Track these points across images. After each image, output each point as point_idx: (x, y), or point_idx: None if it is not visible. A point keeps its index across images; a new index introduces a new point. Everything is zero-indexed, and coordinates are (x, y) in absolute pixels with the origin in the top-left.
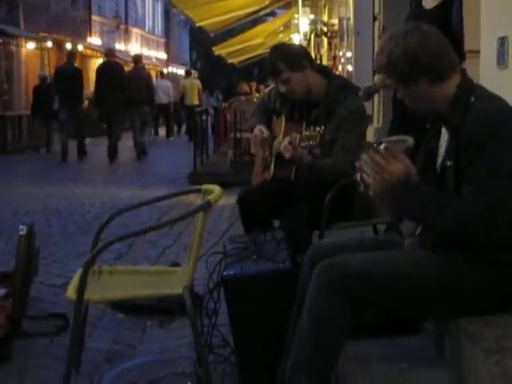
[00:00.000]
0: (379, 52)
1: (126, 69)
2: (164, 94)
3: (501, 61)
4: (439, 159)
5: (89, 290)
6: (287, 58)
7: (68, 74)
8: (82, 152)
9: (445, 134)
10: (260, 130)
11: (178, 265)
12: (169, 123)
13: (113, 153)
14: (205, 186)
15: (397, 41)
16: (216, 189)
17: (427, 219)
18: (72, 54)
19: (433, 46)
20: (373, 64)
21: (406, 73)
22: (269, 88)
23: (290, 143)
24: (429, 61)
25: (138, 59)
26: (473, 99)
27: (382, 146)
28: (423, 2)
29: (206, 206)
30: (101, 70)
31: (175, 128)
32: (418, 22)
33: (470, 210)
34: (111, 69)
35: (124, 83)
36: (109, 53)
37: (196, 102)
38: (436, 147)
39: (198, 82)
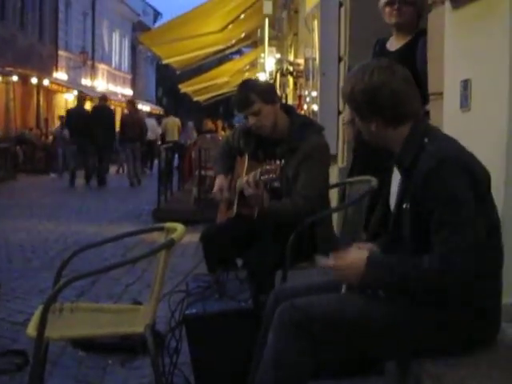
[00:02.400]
0: (347, 80)
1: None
2: (151, 131)
3: (464, 103)
4: (392, 200)
5: (49, 328)
6: (259, 89)
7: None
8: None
9: (396, 175)
10: (220, 190)
11: (139, 303)
12: (153, 158)
13: (103, 180)
14: (168, 224)
15: (364, 74)
16: (179, 227)
17: (396, 292)
18: (82, 97)
19: (396, 90)
20: (338, 104)
21: (363, 108)
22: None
23: (249, 180)
24: (387, 104)
25: (132, 104)
26: (426, 140)
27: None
28: (387, 45)
29: (169, 245)
30: (95, 112)
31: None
32: (392, 61)
33: (430, 271)
34: (104, 111)
35: (114, 124)
36: (103, 97)
37: (176, 138)
38: (389, 187)
39: (177, 120)
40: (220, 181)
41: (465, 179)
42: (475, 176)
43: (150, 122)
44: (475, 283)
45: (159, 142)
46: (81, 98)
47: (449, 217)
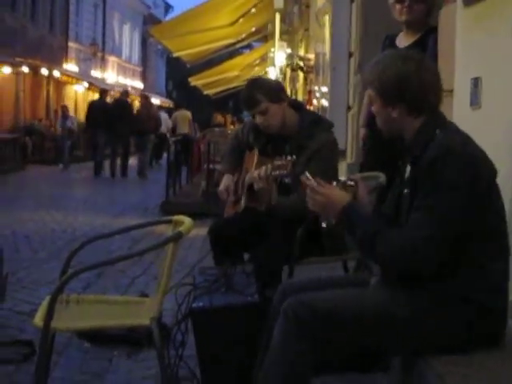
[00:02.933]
0: (375, 64)
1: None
2: (163, 124)
3: (474, 101)
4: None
5: (56, 319)
6: (266, 89)
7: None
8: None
9: (407, 167)
10: (226, 189)
11: (146, 295)
12: (163, 150)
13: (125, 169)
14: (176, 217)
15: (396, 61)
16: (187, 220)
17: (358, 245)
18: (103, 91)
19: (427, 80)
20: (348, 99)
21: (390, 93)
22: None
23: (259, 175)
24: (416, 92)
25: (146, 97)
26: (438, 132)
27: (349, 182)
28: (397, 41)
29: (177, 237)
30: (114, 106)
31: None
32: (422, 53)
33: (393, 245)
34: (125, 105)
35: (132, 117)
36: (124, 92)
37: (187, 131)
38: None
39: (188, 114)
40: (226, 180)
41: (464, 173)
42: (478, 172)
43: (163, 116)
44: (478, 280)
45: (168, 135)
46: (102, 92)
47: (430, 202)
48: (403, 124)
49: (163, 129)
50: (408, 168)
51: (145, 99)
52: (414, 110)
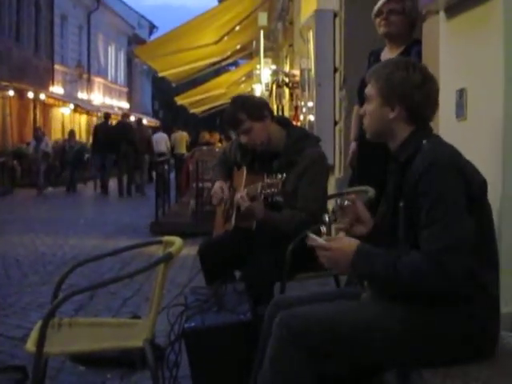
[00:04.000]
0: (382, 65)
1: None
2: (163, 144)
3: (459, 113)
4: (390, 200)
5: (48, 343)
6: (248, 108)
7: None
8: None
9: (392, 175)
10: (220, 188)
11: (138, 317)
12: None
13: (130, 188)
14: (166, 238)
15: (407, 65)
16: (177, 240)
17: (381, 283)
18: (107, 115)
19: (429, 94)
20: (334, 114)
21: (394, 93)
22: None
23: (247, 194)
24: (419, 100)
25: (140, 121)
26: (424, 142)
27: (346, 203)
28: (381, 56)
29: (167, 258)
30: (117, 128)
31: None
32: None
33: (417, 265)
34: (124, 127)
35: (134, 138)
36: (124, 115)
37: (184, 151)
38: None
39: (186, 135)
40: (218, 184)
41: (456, 181)
42: (468, 180)
43: (162, 136)
44: (472, 292)
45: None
46: (107, 116)
47: (437, 215)
48: (395, 128)
49: (163, 148)
50: (392, 176)
51: (137, 121)
52: (410, 117)
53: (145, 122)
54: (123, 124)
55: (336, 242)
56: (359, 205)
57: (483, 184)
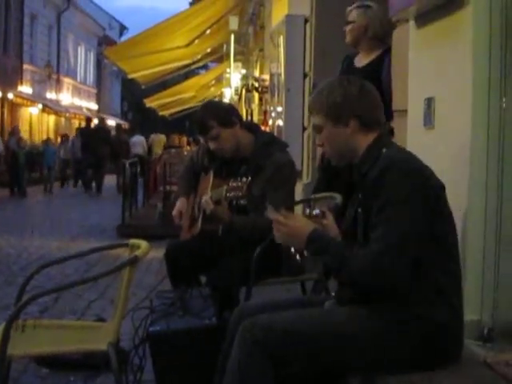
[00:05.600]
0: (318, 92)
1: None
2: (140, 146)
3: (427, 121)
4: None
5: (12, 345)
6: (217, 114)
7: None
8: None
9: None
10: (180, 212)
11: (103, 320)
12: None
13: (100, 188)
14: (132, 241)
15: (340, 84)
16: (143, 244)
17: (334, 269)
18: (89, 119)
19: (370, 96)
20: (303, 120)
21: (341, 111)
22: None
23: (211, 198)
24: (367, 105)
25: (119, 127)
26: (384, 150)
27: (316, 212)
28: (355, 61)
29: (133, 261)
30: (94, 131)
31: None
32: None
33: (360, 259)
34: (102, 131)
35: (110, 141)
36: (100, 120)
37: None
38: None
39: (163, 137)
40: (180, 204)
41: (410, 184)
42: (424, 184)
43: (140, 139)
44: (432, 295)
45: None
46: (88, 120)
47: (387, 216)
48: (355, 142)
49: (140, 150)
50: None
51: (119, 128)
52: (365, 124)
53: (113, 123)
54: (101, 128)
55: (294, 220)
56: (329, 217)
57: (440, 188)
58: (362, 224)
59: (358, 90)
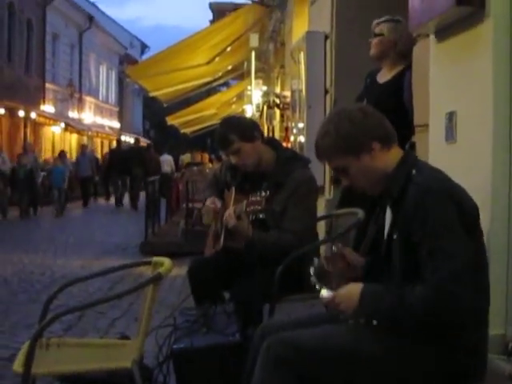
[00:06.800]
0: (322, 135)
1: None
2: (168, 166)
3: (449, 136)
4: (386, 233)
5: (36, 364)
6: (238, 128)
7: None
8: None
9: (388, 209)
10: (212, 201)
11: (127, 337)
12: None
13: (136, 204)
14: (155, 259)
15: (339, 118)
16: (166, 261)
17: (391, 319)
18: (119, 141)
19: (373, 115)
20: None
21: (358, 140)
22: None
23: (234, 212)
24: (376, 125)
25: (150, 146)
26: (414, 172)
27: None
28: (378, 77)
29: (157, 279)
30: (131, 152)
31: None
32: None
33: (428, 296)
34: (138, 151)
35: (145, 161)
36: (136, 140)
37: None
38: (383, 222)
39: (189, 156)
40: (211, 199)
41: (451, 208)
42: (462, 206)
43: (168, 158)
44: (472, 321)
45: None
46: (119, 142)
47: (437, 246)
48: (383, 162)
49: (168, 170)
50: (388, 211)
51: (148, 146)
52: (385, 140)
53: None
54: (137, 148)
55: (341, 290)
56: (347, 252)
57: (475, 209)
58: (399, 250)
59: (361, 113)
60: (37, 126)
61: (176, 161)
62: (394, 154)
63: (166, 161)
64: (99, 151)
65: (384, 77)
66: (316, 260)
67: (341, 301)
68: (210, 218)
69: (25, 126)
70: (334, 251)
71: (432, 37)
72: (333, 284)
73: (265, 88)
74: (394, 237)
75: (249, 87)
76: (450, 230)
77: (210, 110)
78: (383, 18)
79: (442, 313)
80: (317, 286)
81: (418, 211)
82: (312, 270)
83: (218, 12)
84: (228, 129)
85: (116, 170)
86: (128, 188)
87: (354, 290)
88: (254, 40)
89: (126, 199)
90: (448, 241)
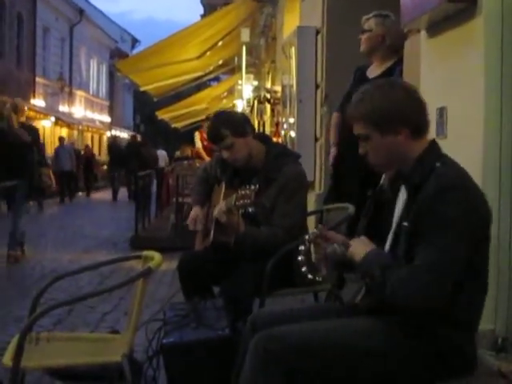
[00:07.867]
0: (360, 100)
1: None
2: (162, 161)
3: (440, 131)
4: (395, 219)
5: (26, 357)
6: (230, 123)
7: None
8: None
9: (402, 194)
10: (195, 219)
11: (117, 332)
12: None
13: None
14: (145, 253)
15: (383, 91)
16: (156, 255)
17: (374, 289)
18: (115, 137)
19: (417, 101)
20: (315, 131)
21: (390, 119)
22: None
23: (224, 207)
24: (413, 113)
25: (145, 141)
26: (438, 164)
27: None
28: (367, 72)
29: (147, 273)
30: (128, 146)
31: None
32: (399, 79)
33: (399, 278)
34: (135, 145)
35: (141, 155)
36: (132, 136)
37: None
38: (393, 208)
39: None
40: (195, 211)
41: (464, 209)
42: (477, 209)
43: (162, 153)
44: (454, 316)
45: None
46: (115, 137)
47: (436, 239)
48: (406, 150)
49: (162, 164)
50: (402, 196)
51: (145, 142)
52: (416, 130)
53: (125, 135)
54: (133, 144)
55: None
56: (329, 234)
57: (489, 215)
58: (406, 238)
59: (404, 93)
60: (27, 120)
61: (171, 156)
62: (420, 145)
63: (161, 156)
64: (92, 146)
65: (374, 72)
66: (302, 247)
67: (354, 244)
68: (193, 227)
69: None
70: (317, 233)
71: (423, 32)
72: (321, 267)
73: (256, 83)
74: (405, 224)
75: (240, 82)
76: (454, 228)
77: (201, 105)
78: (371, 14)
79: (406, 293)
80: (304, 270)
81: (432, 203)
82: (300, 258)
83: (210, 6)
84: (220, 123)
85: (115, 166)
86: (127, 183)
87: (369, 242)
88: (245, 35)
89: (120, 194)
90: (448, 238)
